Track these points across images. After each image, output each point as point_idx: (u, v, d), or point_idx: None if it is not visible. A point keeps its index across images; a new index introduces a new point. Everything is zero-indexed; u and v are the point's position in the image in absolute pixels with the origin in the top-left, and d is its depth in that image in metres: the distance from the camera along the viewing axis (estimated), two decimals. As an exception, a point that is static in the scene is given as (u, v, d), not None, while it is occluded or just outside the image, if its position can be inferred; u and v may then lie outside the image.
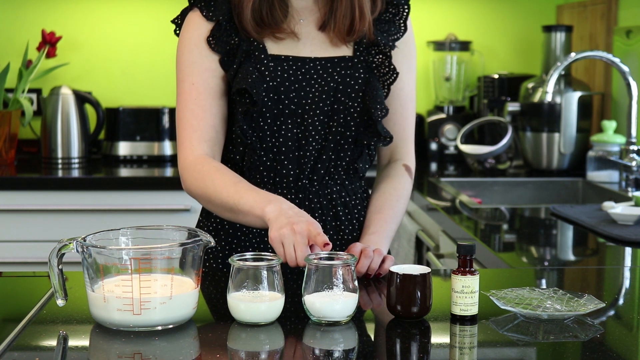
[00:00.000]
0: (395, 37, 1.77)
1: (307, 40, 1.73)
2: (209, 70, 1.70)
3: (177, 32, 1.76)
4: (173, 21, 1.77)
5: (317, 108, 1.71)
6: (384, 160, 1.86)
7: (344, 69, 1.72)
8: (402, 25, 1.78)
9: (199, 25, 1.71)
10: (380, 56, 1.74)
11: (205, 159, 1.68)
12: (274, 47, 1.71)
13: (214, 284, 1.65)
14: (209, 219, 1.79)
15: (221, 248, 1.75)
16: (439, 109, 3.71)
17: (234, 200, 1.60)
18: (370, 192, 1.84)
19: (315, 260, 1.39)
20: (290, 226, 1.50)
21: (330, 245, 1.49)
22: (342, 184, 1.77)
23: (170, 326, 1.35)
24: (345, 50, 1.74)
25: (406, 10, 1.78)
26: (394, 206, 1.76)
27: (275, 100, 1.68)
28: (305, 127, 1.71)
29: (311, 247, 1.52)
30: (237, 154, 1.74)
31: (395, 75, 1.74)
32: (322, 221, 1.74)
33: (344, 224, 1.76)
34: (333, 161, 1.74)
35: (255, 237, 1.73)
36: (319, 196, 1.74)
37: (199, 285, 1.40)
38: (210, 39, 1.70)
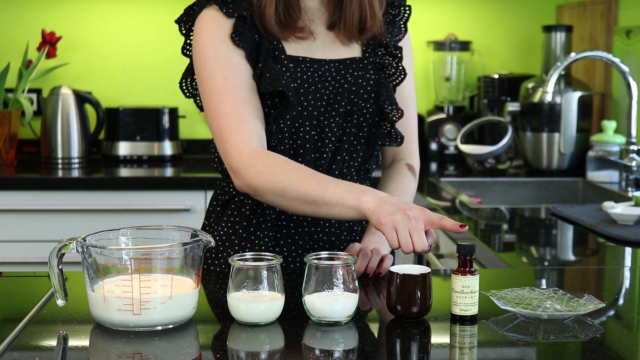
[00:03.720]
0: (397, 38, 1.78)
1: (318, 42, 1.73)
2: (240, 64, 1.64)
3: (183, 31, 1.74)
4: (177, 21, 1.75)
5: (332, 110, 1.71)
6: (387, 161, 1.86)
7: (355, 70, 1.72)
8: (402, 26, 1.78)
9: (220, 22, 1.66)
10: (388, 57, 1.74)
11: (263, 151, 1.60)
12: (290, 48, 1.71)
13: (214, 284, 1.65)
14: (219, 224, 1.77)
15: (234, 253, 1.74)
16: (439, 109, 3.71)
17: (317, 192, 1.52)
18: None
19: (316, 261, 1.39)
20: (403, 212, 1.44)
21: (467, 227, 1.45)
22: None
23: (170, 326, 1.35)
24: (355, 52, 1.74)
25: (407, 12, 1.79)
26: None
27: (293, 102, 1.68)
28: (322, 129, 1.71)
29: (426, 232, 1.46)
30: None
31: (403, 75, 1.74)
32: (337, 222, 1.75)
33: (357, 224, 1.77)
34: (347, 162, 1.74)
35: (271, 241, 1.72)
36: None
37: (199, 285, 1.40)
38: (234, 35, 1.66)
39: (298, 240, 1.72)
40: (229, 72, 1.63)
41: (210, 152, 1.82)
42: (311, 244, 1.72)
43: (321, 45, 1.73)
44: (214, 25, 1.66)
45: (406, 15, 1.79)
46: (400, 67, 1.74)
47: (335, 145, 1.72)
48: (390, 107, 1.71)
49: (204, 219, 1.83)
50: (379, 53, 1.75)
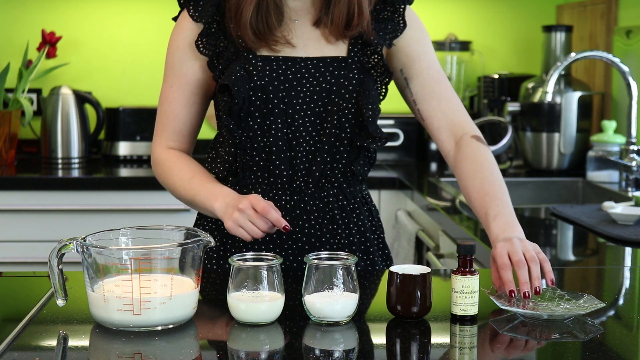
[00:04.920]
0: (394, 34, 1.76)
1: (300, 40, 1.72)
2: (185, 76, 1.74)
3: None
4: (174, 19, 1.79)
5: (307, 108, 1.70)
6: (448, 143, 1.76)
7: (337, 69, 1.71)
8: (400, 21, 1.77)
9: (184, 29, 1.74)
10: (376, 56, 1.73)
11: (170, 153, 1.76)
12: (264, 49, 1.71)
13: (214, 284, 1.65)
14: (205, 218, 1.79)
15: (216, 248, 1.75)
16: (439, 109, 3.70)
17: (190, 196, 1.71)
18: (370, 197, 1.84)
19: (316, 261, 1.39)
20: (236, 208, 1.59)
21: (289, 228, 1.57)
22: (340, 187, 1.75)
23: (170, 326, 1.35)
24: (340, 50, 1.73)
25: (402, 7, 1.77)
26: (494, 181, 1.66)
27: (263, 99, 1.68)
28: (296, 128, 1.70)
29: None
30: (229, 155, 1.73)
31: (389, 75, 1.73)
32: (318, 224, 1.73)
33: (341, 228, 1.75)
34: (329, 163, 1.72)
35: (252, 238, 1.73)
36: (314, 199, 1.73)
37: (199, 285, 1.40)
38: (199, 42, 1.71)
39: (276, 240, 1.72)
40: (174, 81, 1.75)
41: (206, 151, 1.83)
42: (289, 244, 1.72)
43: (303, 44, 1.72)
44: (177, 32, 1.75)
45: (402, 9, 1.77)
46: (384, 67, 1.73)
47: (313, 146, 1.71)
48: (366, 107, 1.69)
49: (197, 214, 1.84)
50: (367, 52, 1.74)
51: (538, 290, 1.43)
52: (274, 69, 1.69)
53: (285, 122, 1.70)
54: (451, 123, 1.76)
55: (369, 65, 1.73)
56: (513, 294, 1.44)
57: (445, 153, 1.77)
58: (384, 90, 1.75)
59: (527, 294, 1.43)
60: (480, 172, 1.68)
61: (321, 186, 1.73)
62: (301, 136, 1.70)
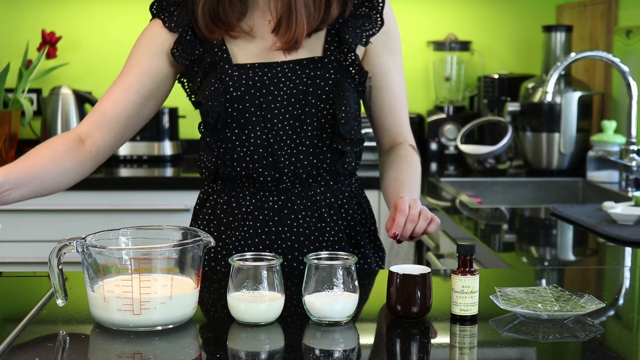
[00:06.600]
0: (371, 32, 1.73)
1: (278, 43, 1.71)
2: (137, 65, 1.75)
3: None
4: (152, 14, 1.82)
5: (286, 112, 1.69)
6: (386, 146, 1.83)
7: (313, 70, 1.69)
8: (378, 19, 1.73)
9: (154, 33, 1.76)
10: (352, 54, 1.71)
11: (50, 140, 1.69)
12: (240, 56, 1.71)
13: (214, 284, 1.65)
14: (199, 218, 1.80)
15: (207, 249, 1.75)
16: (439, 109, 3.71)
17: None
18: (362, 189, 1.85)
19: (315, 261, 1.39)
20: None
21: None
22: (327, 185, 1.75)
23: (170, 326, 1.35)
24: (315, 50, 1.71)
25: (381, 4, 1.74)
26: (413, 175, 1.75)
27: (240, 110, 1.68)
28: (276, 132, 1.69)
29: None
30: (212, 165, 1.74)
31: (365, 73, 1.72)
32: (306, 223, 1.73)
33: (329, 225, 1.75)
34: (314, 164, 1.72)
35: (240, 241, 1.74)
36: (301, 198, 1.73)
37: (199, 285, 1.40)
38: (174, 50, 1.72)
39: (265, 240, 1.72)
40: (124, 69, 1.78)
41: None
42: (279, 244, 1.72)
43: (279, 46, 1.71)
44: (150, 33, 1.78)
45: (380, 7, 1.74)
46: (360, 66, 1.72)
47: (295, 149, 1.70)
48: (339, 108, 1.68)
49: (192, 214, 1.85)
50: (345, 50, 1.72)
51: (403, 237, 1.55)
52: (250, 76, 1.69)
53: (265, 128, 1.69)
54: (396, 133, 1.82)
55: (346, 63, 1.71)
56: (395, 237, 1.53)
57: (380, 148, 1.85)
58: (361, 88, 1.74)
59: (395, 234, 1.53)
60: (400, 164, 1.76)
61: (308, 185, 1.73)
62: (282, 140, 1.70)
